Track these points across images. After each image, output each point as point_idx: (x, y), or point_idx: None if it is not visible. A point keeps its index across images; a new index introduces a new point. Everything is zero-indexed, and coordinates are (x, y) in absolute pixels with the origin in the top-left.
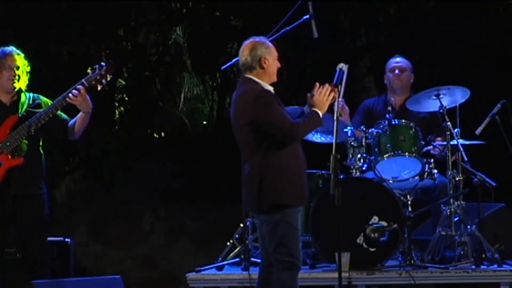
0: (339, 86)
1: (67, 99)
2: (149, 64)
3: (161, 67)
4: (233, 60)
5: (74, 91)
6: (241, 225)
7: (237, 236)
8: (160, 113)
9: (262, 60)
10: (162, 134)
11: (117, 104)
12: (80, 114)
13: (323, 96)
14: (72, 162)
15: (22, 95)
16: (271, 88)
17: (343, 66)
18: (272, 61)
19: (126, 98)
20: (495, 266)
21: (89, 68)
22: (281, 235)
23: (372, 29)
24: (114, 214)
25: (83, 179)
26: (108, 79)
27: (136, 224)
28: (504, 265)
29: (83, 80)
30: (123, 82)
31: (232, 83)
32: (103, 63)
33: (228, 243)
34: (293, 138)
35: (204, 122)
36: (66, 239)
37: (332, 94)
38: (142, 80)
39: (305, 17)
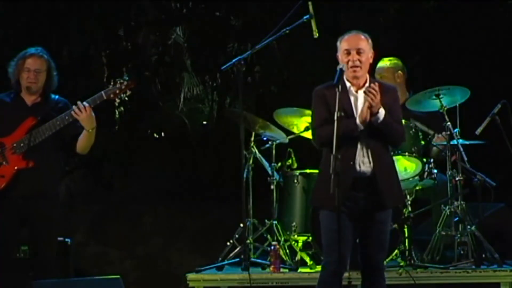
0: (339, 86)
1: (72, 113)
2: (149, 64)
3: (161, 67)
4: (233, 60)
5: (75, 108)
6: (241, 225)
7: (237, 236)
8: (160, 113)
9: (337, 58)
10: (162, 134)
11: (117, 104)
12: (83, 131)
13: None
14: (72, 162)
15: (47, 97)
16: (347, 84)
17: (343, 66)
18: (340, 56)
19: (126, 98)
20: (495, 266)
21: (112, 80)
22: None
23: (372, 29)
24: (114, 214)
25: (83, 179)
26: (128, 94)
27: (136, 224)
28: (504, 265)
29: (102, 92)
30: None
31: (232, 83)
32: (126, 77)
33: (228, 243)
34: (315, 142)
35: (204, 122)
36: (66, 239)
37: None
38: (142, 80)
39: (305, 17)
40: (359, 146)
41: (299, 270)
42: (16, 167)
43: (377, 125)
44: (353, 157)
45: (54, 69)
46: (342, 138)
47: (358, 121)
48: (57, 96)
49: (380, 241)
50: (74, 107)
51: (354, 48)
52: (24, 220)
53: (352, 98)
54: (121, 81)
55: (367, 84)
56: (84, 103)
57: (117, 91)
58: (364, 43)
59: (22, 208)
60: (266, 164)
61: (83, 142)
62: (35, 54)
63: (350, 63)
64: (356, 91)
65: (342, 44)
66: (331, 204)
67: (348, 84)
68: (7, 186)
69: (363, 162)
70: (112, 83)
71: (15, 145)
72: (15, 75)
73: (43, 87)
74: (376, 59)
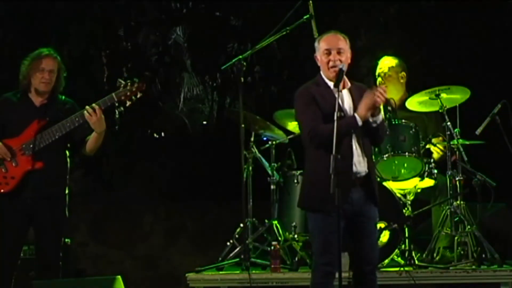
0: (339, 85)
1: (85, 116)
2: (149, 64)
3: (161, 67)
4: (233, 60)
5: (88, 110)
6: (241, 225)
7: (237, 236)
8: (160, 113)
9: (315, 58)
10: (162, 134)
11: (117, 104)
12: (93, 133)
13: (367, 105)
14: (72, 162)
15: (55, 98)
16: (328, 84)
17: (343, 66)
18: (320, 57)
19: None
20: (495, 266)
21: (118, 80)
22: (310, 235)
23: (372, 29)
24: (114, 214)
25: (83, 179)
26: (138, 96)
27: (136, 224)
28: (504, 265)
29: (113, 94)
30: (123, 82)
31: (232, 83)
32: (135, 79)
33: (228, 243)
34: (310, 141)
35: (204, 122)
36: (66, 239)
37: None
38: (142, 80)
39: (305, 17)
40: (355, 146)
41: (299, 270)
42: (25, 169)
43: (375, 126)
44: (350, 157)
45: (64, 71)
46: (342, 137)
47: (357, 118)
48: (63, 97)
49: (374, 239)
50: (88, 108)
51: (335, 48)
52: (31, 221)
53: None
54: (132, 83)
55: (348, 84)
56: (94, 105)
57: (128, 93)
58: (344, 43)
59: (30, 209)
60: (266, 164)
61: (93, 144)
62: (50, 55)
63: (331, 63)
64: (341, 90)
65: (322, 44)
66: (326, 205)
67: (330, 83)
68: (17, 187)
69: (359, 162)
70: (122, 85)
71: (24, 146)
72: (28, 75)
73: (52, 88)
74: (376, 58)
